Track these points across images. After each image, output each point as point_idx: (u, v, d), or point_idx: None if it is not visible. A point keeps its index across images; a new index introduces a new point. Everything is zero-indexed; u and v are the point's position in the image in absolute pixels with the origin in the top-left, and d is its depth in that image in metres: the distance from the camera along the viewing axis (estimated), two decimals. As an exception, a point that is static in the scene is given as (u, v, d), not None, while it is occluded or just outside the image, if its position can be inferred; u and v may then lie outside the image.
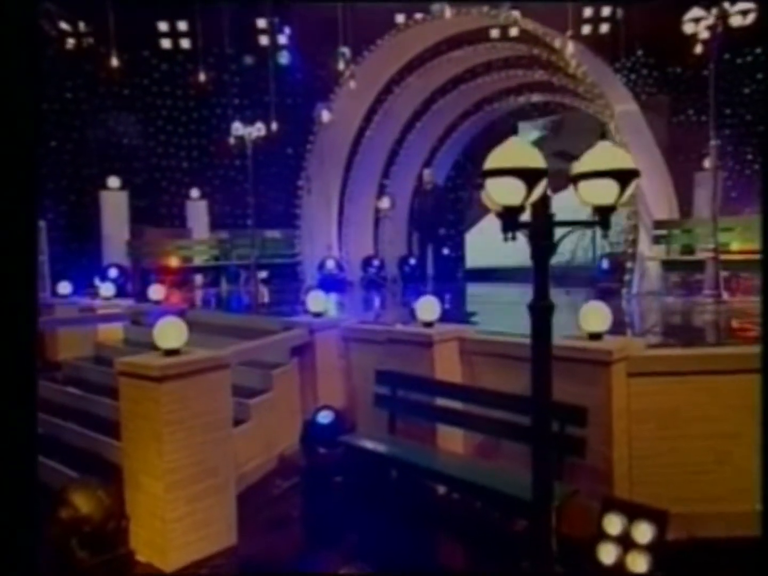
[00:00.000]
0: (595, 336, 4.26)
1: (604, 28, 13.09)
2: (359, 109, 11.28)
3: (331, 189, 11.61)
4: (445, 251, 12.91)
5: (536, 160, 2.31)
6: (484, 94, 11.87)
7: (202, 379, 4.09)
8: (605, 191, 2.38)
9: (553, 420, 3.04)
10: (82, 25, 13.06)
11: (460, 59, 10.75)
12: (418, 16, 9.97)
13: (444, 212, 12.30)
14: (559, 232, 2.55)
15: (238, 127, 10.31)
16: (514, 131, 2.36)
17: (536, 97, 11.77)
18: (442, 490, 4.74)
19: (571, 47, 8.14)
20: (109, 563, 3.65)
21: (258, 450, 5.14)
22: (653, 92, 13.04)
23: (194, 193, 13.74)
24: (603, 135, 2.51)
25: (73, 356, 7.64)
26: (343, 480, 4.99)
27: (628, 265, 7.84)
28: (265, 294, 10.66)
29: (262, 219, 12.28)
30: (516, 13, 8.65)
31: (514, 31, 10.32)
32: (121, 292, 9.63)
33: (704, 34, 6.44)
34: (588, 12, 12.94)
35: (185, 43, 13.88)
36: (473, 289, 11.19)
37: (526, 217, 2.48)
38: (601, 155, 2.40)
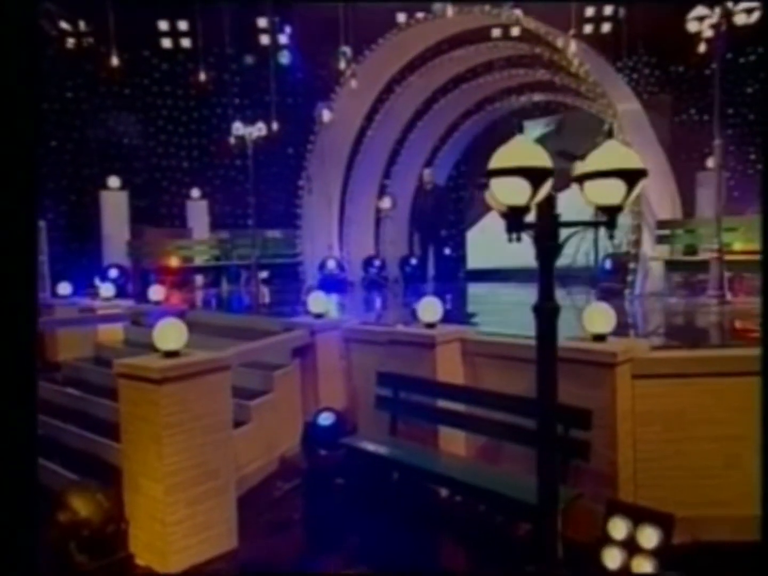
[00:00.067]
0: (600, 337, 4.23)
1: (606, 27, 13.04)
2: (360, 108, 11.23)
3: (332, 189, 11.57)
4: (447, 251, 12.88)
5: (542, 159, 2.28)
6: (485, 93, 11.83)
7: (202, 380, 4.06)
8: (612, 191, 2.34)
9: (557, 423, 3.00)
10: (82, 25, 13.01)
11: (461, 58, 10.70)
12: (420, 15, 9.92)
13: (445, 212, 12.26)
14: (563, 232, 2.52)
15: (238, 127, 10.28)
16: (519, 130, 2.32)
17: (538, 97, 11.73)
18: (444, 492, 4.70)
19: (573, 46, 8.10)
20: (108, 567, 3.61)
21: (259, 452, 5.11)
22: (655, 91, 13.01)
23: (195, 193, 13.71)
24: (610, 134, 2.47)
25: (72, 357, 7.61)
26: (344, 482, 4.96)
27: (631, 265, 7.79)
28: (265, 294, 10.63)
29: (263, 219, 12.24)
30: (518, 12, 8.59)
31: (515, 30, 10.26)
32: (121, 293, 9.60)
33: (708, 33, 6.40)
34: (590, 11, 12.89)
35: (186, 43, 13.82)
36: (475, 290, 11.16)
37: (528, 217, 2.45)
38: (608, 154, 2.36)
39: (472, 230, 13.89)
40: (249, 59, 14.43)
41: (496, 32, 11.18)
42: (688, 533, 3.60)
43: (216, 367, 4.17)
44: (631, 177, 2.31)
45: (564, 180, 3.12)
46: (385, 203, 11.38)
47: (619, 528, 3.35)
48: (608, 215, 2.41)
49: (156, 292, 8.47)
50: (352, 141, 11.51)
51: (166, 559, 3.81)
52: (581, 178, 2.38)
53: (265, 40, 13.90)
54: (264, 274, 11.84)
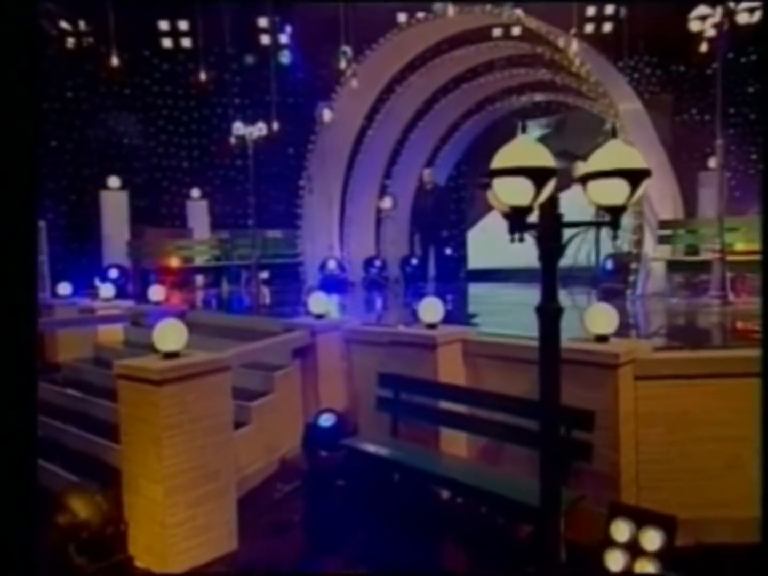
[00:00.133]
0: (602, 338, 4.21)
1: (608, 26, 13.01)
2: (361, 108, 11.22)
3: (332, 189, 11.55)
4: (447, 251, 12.86)
5: (545, 158, 2.25)
6: (486, 93, 11.81)
7: (202, 381, 4.04)
8: (616, 191, 2.32)
9: (560, 424, 2.98)
10: (82, 25, 12.98)
11: (462, 58, 10.68)
12: (420, 15, 9.90)
13: (445, 212, 12.25)
14: (566, 233, 2.50)
15: (239, 127, 10.27)
16: (522, 129, 2.30)
17: (539, 97, 11.70)
18: (445, 494, 4.68)
19: (574, 46, 8.08)
20: (107, 569, 3.59)
21: (259, 453, 5.09)
22: (656, 91, 12.99)
23: (195, 193, 13.68)
24: (614, 133, 2.45)
25: (72, 358, 7.61)
26: (345, 484, 4.94)
27: (633, 265, 7.76)
28: (266, 295, 10.62)
29: (264, 219, 12.23)
30: (519, 12, 8.57)
31: (516, 30, 10.22)
32: (121, 293, 9.59)
33: (710, 32, 6.38)
34: (591, 11, 12.86)
35: (186, 43, 13.79)
36: (475, 290, 11.14)
37: (530, 217, 2.43)
38: (611, 154, 2.34)
39: (472, 230, 13.88)
40: (249, 59, 14.41)
41: (497, 32, 11.14)
42: (692, 536, 3.58)
43: (216, 368, 4.15)
44: (634, 177, 2.29)
45: (565, 180, 3.11)
46: (386, 203, 11.36)
47: (621, 530, 3.33)
48: (612, 215, 2.39)
49: (156, 293, 8.45)
50: (353, 141, 11.49)
51: (166, 561, 3.79)
52: (585, 178, 2.36)
53: (265, 39, 13.88)
54: (264, 275, 11.83)
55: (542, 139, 12.43)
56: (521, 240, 2.38)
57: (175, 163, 14.50)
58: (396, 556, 4.00)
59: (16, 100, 1.96)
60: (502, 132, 11.24)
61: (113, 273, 10.94)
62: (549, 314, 2.51)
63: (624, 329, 5.00)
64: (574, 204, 3.12)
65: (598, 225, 2.57)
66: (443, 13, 9.29)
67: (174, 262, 11.70)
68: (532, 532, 3.93)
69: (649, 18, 11.73)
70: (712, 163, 9.15)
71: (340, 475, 4.95)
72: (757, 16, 6.13)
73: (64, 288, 9.47)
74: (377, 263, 11.54)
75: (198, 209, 13.59)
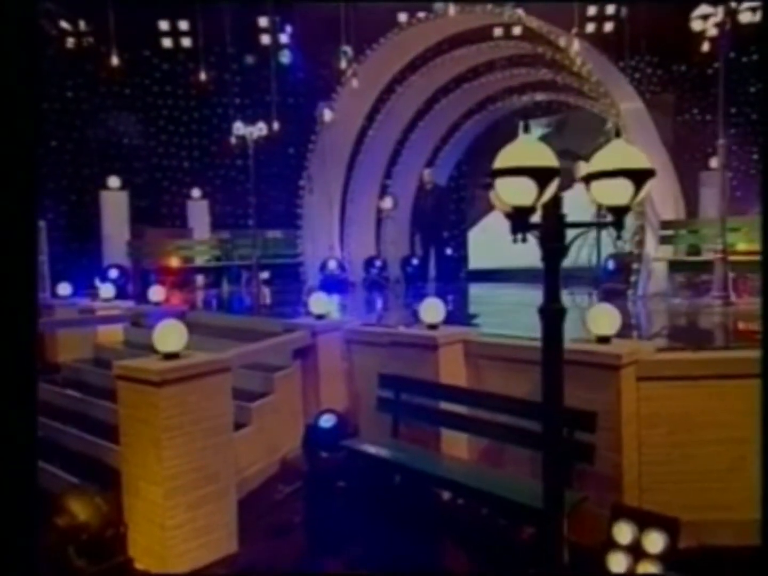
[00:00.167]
0: (604, 339, 4.19)
1: (609, 26, 12.98)
2: (361, 108, 11.20)
3: (333, 189, 11.53)
4: (448, 251, 12.84)
5: (548, 158, 2.23)
6: (487, 93, 11.79)
7: (202, 382, 4.02)
8: (619, 191, 2.30)
9: (562, 425, 2.96)
10: (82, 25, 12.97)
11: (463, 58, 10.65)
12: (421, 14, 9.88)
13: (446, 212, 12.24)
14: (569, 233, 2.48)
15: (239, 127, 10.25)
16: (525, 129, 2.27)
17: (540, 96, 11.68)
18: (446, 495, 4.66)
19: (576, 45, 8.05)
20: (107, 571, 3.58)
21: (259, 454, 5.07)
22: (658, 91, 12.97)
23: (195, 192, 13.67)
24: (617, 133, 2.43)
25: (72, 358, 7.58)
26: (345, 485, 4.91)
27: (634, 266, 7.74)
28: (266, 295, 10.60)
29: (264, 219, 12.19)
30: (520, 11, 8.55)
31: (517, 30, 10.19)
32: (121, 293, 9.57)
33: (712, 32, 6.35)
34: (592, 10, 12.83)
35: (186, 43, 13.76)
36: (476, 290, 11.12)
37: (533, 217, 2.40)
38: (615, 154, 2.32)
39: (473, 230, 13.87)
40: (250, 59, 14.40)
41: (497, 31, 11.11)
42: (694, 538, 3.56)
43: (216, 369, 4.14)
44: (639, 177, 2.27)
45: (566, 180, 3.09)
46: (387, 203, 11.34)
47: (624, 532, 3.31)
48: (616, 216, 2.36)
49: (156, 293, 8.43)
50: (354, 141, 11.47)
51: (166, 563, 3.77)
52: (588, 178, 2.34)
53: (266, 39, 13.85)
54: (265, 275, 11.81)
55: (543, 139, 12.40)
56: (524, 240, 2.36)
57: (175, 163, 14.49)
58: (397, 558, 3.98)
59: (16, 100, 1.96)
60: (503, 132, 11.22)
61: (113, 273, 10.92)
62: (552, 315, 2.49)
63: (626, 330, 4.98)
64: (575, 204, 3.11)
65: (601, 225, 2.54)
66: (444, 13, 9.28)
67: (174, 262, 11.68)
68: (534, 534, 3.91)
69: (651, 17, 11.70)
70: (714, 163, 9.14)
71: (341, 477, 4.92)
72: (759, 15, 6.11)
73: (64, 288, 9.45)
74: (378, 263, 11.52)
75: (198, 209, 13.58)
